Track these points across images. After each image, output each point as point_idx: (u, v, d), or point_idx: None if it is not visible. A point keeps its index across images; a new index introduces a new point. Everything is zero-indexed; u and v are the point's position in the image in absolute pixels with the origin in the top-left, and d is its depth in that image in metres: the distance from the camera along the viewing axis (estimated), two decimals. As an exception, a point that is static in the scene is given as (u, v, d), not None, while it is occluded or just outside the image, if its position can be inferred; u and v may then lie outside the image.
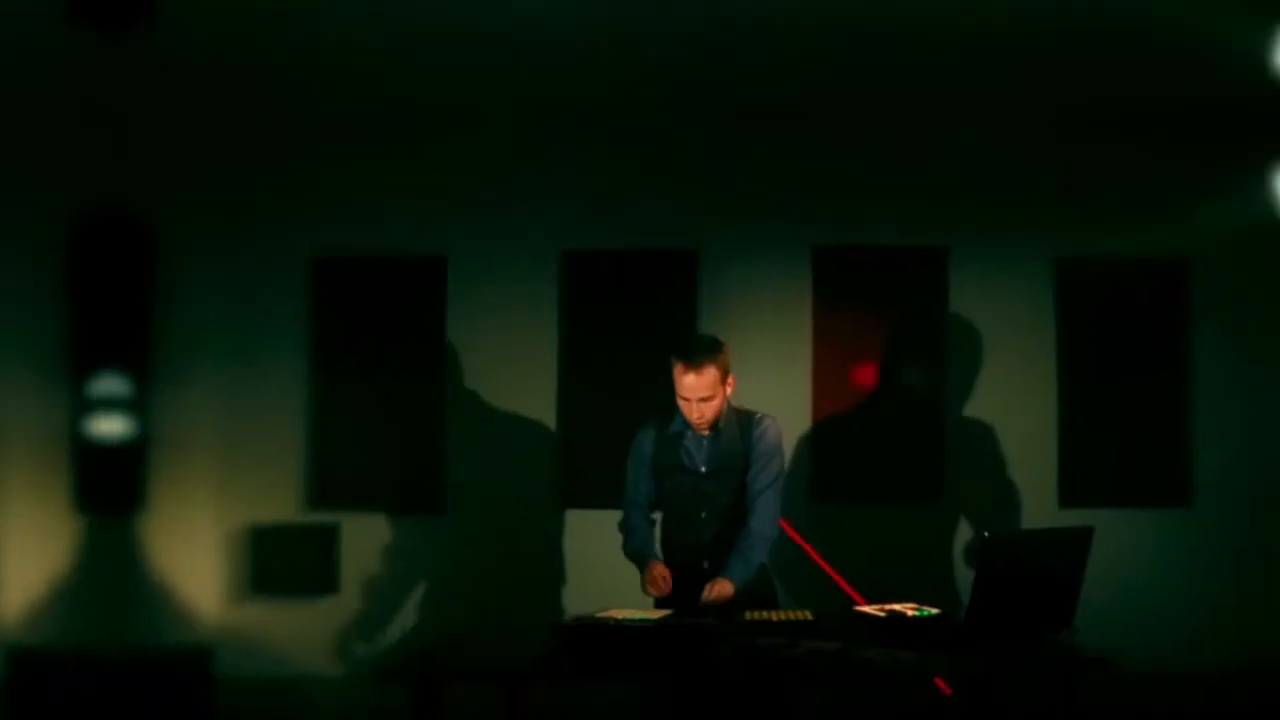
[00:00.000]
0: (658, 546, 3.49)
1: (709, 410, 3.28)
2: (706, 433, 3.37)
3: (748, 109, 5.24)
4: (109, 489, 5.08)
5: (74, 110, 4.69)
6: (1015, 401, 5.31)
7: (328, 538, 5.22)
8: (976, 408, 5.31)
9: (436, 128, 5.28)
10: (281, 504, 5.23)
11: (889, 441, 5.32)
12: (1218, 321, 5.31)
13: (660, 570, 3.32)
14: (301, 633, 5.15)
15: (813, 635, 2.90)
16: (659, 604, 3.29)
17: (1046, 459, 5.31)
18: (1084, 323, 5.34)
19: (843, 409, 5.29)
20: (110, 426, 4.98)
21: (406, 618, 5.13)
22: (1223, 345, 5.31)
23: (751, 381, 4.83)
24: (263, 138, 5.29)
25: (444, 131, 5.28)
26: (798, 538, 4.71)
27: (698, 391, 3.24)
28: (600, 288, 5.33)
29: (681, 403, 3.30)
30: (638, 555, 3.44)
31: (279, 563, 5.22)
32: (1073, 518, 5.14)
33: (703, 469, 3.40)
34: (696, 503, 3.44)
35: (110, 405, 5.01)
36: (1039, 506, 5.25)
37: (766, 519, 3.37)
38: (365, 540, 5.20)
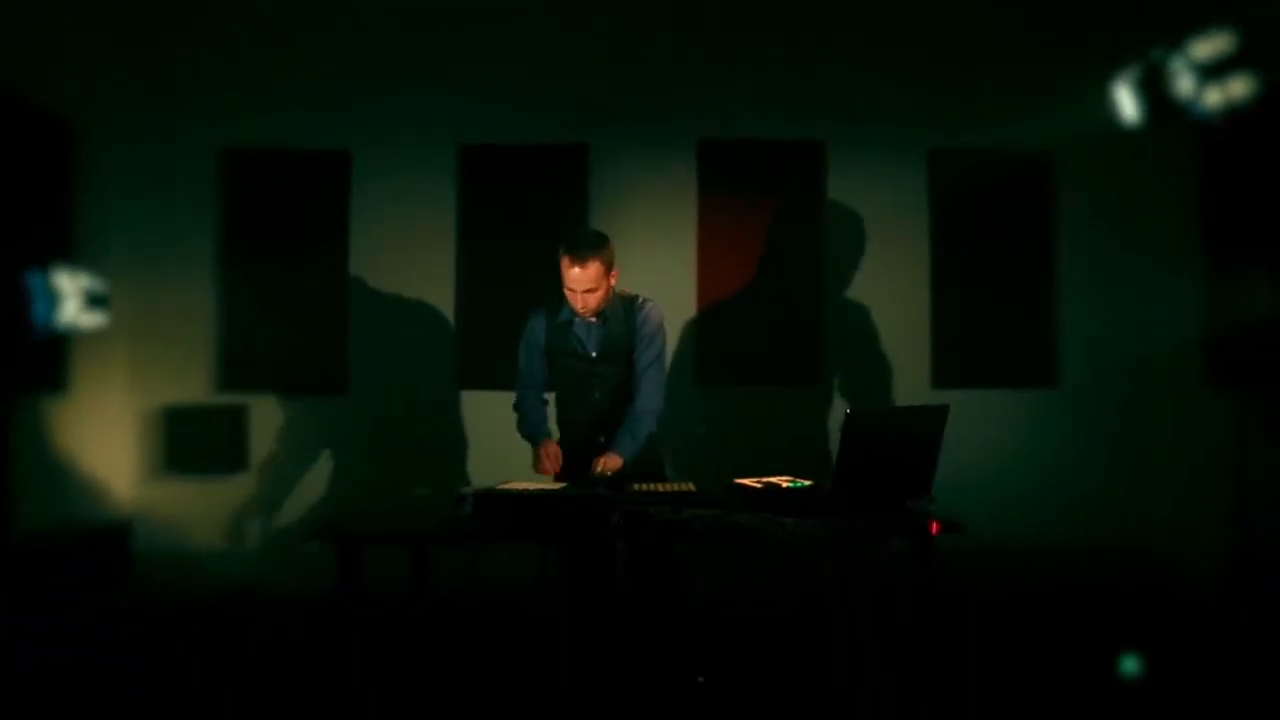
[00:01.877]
0: (550, 425, 3.76)
1: (593, 300, 3.52)
2: (593, 320, 3.62)
3: (638, 10, 5.47)
4: (28, 372, 5.28)
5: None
6: (890, 288, 5.58)
7: (237, 417, 5.48)
8: (853, 294, 5.58)
9: (342, 24, 5.48)
10: (193, 386, 5.48)
11: (770, 326, 5.58)
12: (1081, 211, 5.57)
13: (552, 449, 3.60)
14: (214, 508, 5.42)
15: (694, 504, 3.15)
16: (557, 478, 3.56)
17: (919, 342, 5.58)
18: (955, 212, 5.58)
19: (726, 295, 5.55)
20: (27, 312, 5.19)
21: (313, 491, 5.42)
22: (1086, 234, 5.57)
23: (639, 269, 5.16)
24: (177, 29, 5.46)
25: (349, 28, 5.48)
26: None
27: (582, 283, 3.48)
28: (495, 180, 5.55)
29: (568, 293, 3.54)
30: (531, 436, 3.71)
31: (191, 442, 5.47)
32: (945, 398, 5.36)
33: (593, 354, 3.67)
34: (589, 384, 3.71)
35: (26, 291, 5.22)
36: (912, 387, 5.53)
37: (650, 396, 3.66)
38: (273, 420, 5.49)
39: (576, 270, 3.47)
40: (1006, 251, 5.61)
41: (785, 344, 5.58)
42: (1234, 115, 2.59)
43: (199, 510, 5.42)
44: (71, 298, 2.23)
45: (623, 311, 3.68)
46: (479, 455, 5.41)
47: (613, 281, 3.58)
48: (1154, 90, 2.54)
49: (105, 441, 5.38)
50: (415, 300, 5.51)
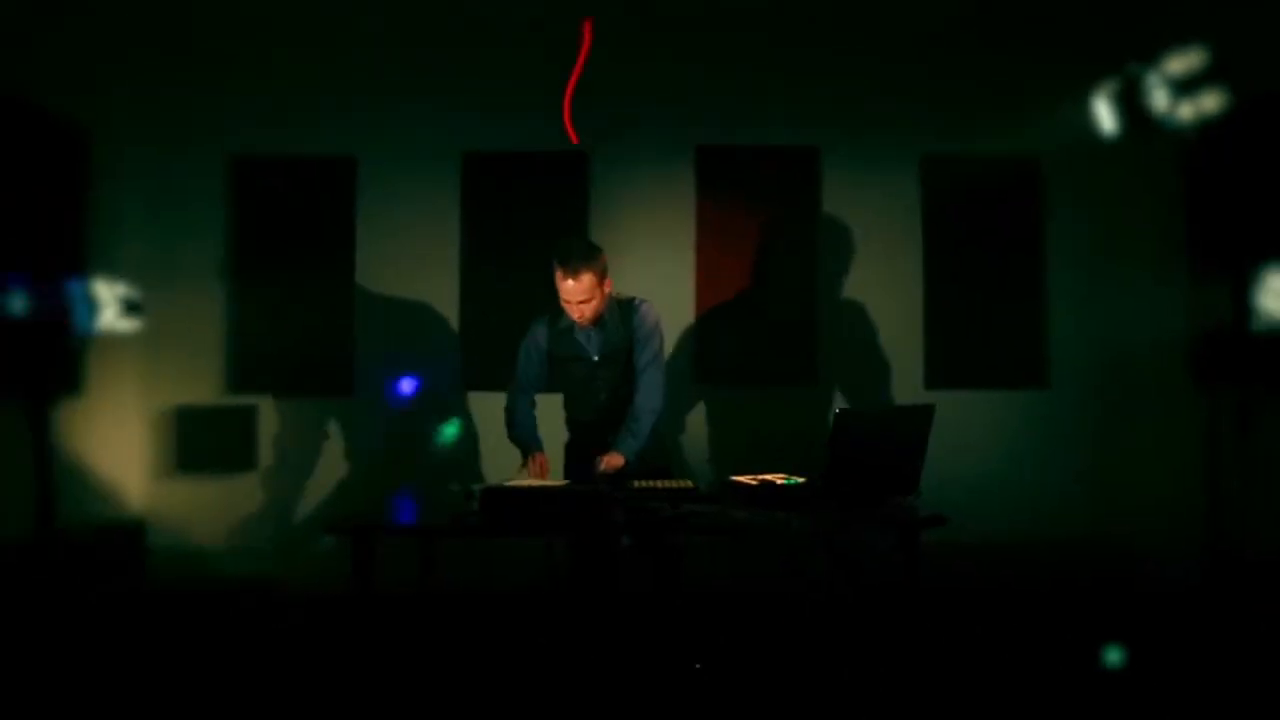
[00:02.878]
0: (542, 433, 3.88)
1: (588, 310, 3.64)
2: (591, 327, 3.74)
3: (633, 20, 5.57)
4: (41, 375, 5.40)
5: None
6: (883, 291, 5.72)
7: (247, 418, 5.62)
8: (848, 296, 5.71)
9: (348, 35, 5.60)
10: (203, 388, 5.61)
11: (767, 328, 5.71)
12: (1069, 216, 5.70)
13: (542, 460, 3.75)
14: (224, 506, 5.56)
15: (692, 500, 3.31)
16: (566, 475, 3.75)
17: (913, 344, 5.72)
18: (947, 216, 5.72)
19: (724, 298, 5.68)
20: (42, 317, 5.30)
21: (321, 489, 5.55)
22: (1073, 238, 5.71)
23: (639, 273, 5.30)
24: (186, 39, 5.57)
25: (355, 39, 5.60)
26: None
27: (576, 295, 3.60)
28: (498, 187, 5.69)
29: (563, 303, 3.66)
30: (522, 442, 3.84)
31: (202, 442, 5.61)
32: (937, 398, 5.53)
33: (595, 357, 3.80)
34: (594, 386, 3.85)
35: (42, 297, 5.33)
36: (906, 388, 5.67)
37: (650, 394, 3.77)
38: (281, 420, 5.63)
39: (570, 283, 3.59)
40: (997, 255, 5.75)
41: (782, 346, 5.71)
42: (1206, 127, 2.72)
43: (210, 508, 5.56)
44: (109, 305, 2.35)
45: (620, 314, 3.80)
46: (483, 454, 5.53)
47: (607, 289, 3.69)
48: (1130, 103, 2.66)
49: (118, 442, 5.51)
50: (420, 303, 5.64)
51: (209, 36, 5.57)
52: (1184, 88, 2.57)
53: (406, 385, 5.11)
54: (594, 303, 3.64)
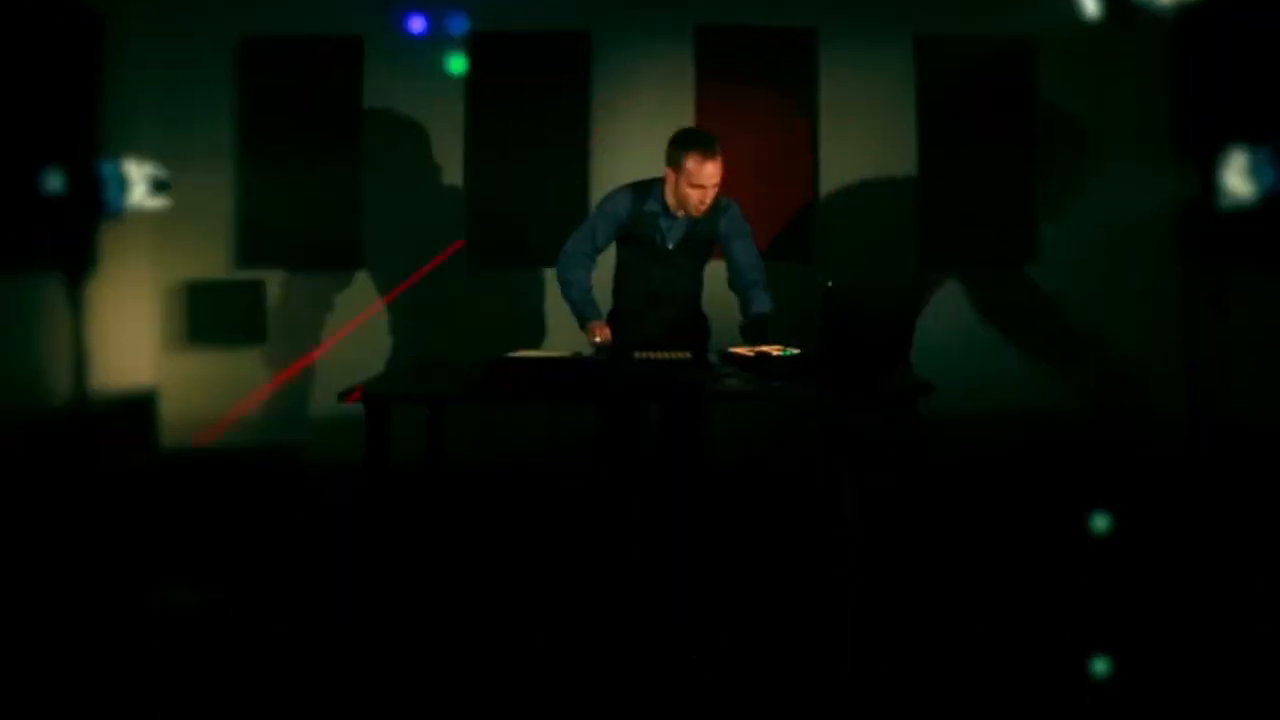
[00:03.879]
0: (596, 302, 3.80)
1: (711, 196, 3.64)
2: (679, 215, 3.71)
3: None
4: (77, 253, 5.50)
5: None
6: (879, 172, 5.85)
7: (255, 291, 5.73)
8: (844, 177, 5.85)
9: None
10: (213, 262, 5.73)
11: (766, 207, 5.79)
12: (1060, 96, 5.84)
13: (604, 331, 3.69)
14: (234, 376, 5.68)
15: (688, 370, 3.38)
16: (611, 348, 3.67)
17: (907, 223, 5.88)
18: (941, 97, 5.85)
19: (725, 177, 5.80)
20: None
21: (328, 362, 5.67)
22: (1064, 119, 5.84)
23: (641, 152, 5.37)
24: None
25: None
26: None
27: (714, 178, 3.59)
28: (501, 67, 5.79)
29: (692, 191, 3.59)
30: (578, 307, 3.77)
31: (212, 315, 5.73)
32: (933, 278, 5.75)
33: (670, 245, 3.77)
34: (657, 270, 3.80)
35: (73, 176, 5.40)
36: (901, 266, 5.82)
37: (763, 273, 3.86)
38: (289, 293, 5.74)
39: (710, 166, 3.56)
40: (989, 135, 5.89)
41: (780, 225, 5.84)
42: (1184, 13, 2.82)
43: (220, 380, 5.67)
44: (139, 183, 2.45)
45: (710, 208, 3.73)
46: (487, 328, 5.63)
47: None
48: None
49: (130, 316, 5.61)
50: (427, 180, 5.75)
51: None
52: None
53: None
54: (718, 188, 3.65)
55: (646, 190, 3.75)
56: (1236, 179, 3.09)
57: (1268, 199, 2.80)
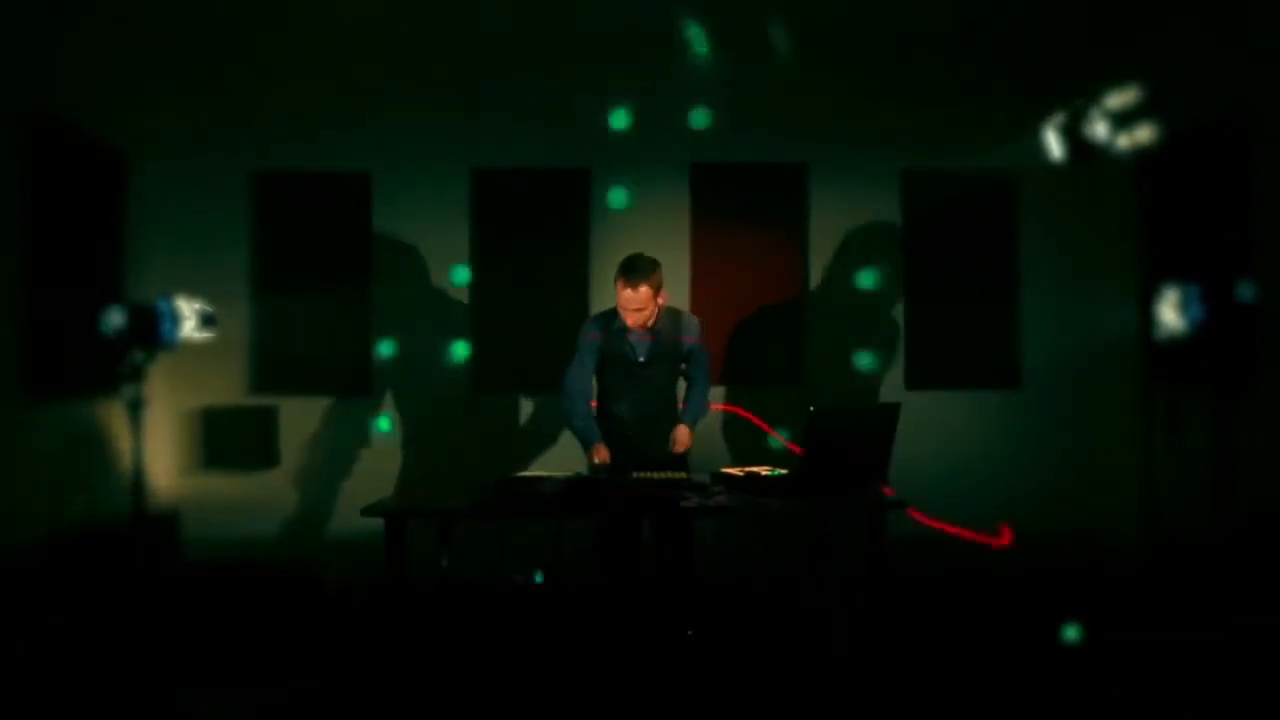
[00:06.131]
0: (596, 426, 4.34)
1: (642, 317, 4.19)
2: (643, 331, 4.26)
3: (630, 44, 5.88)
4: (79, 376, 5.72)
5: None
6: (867, 298, 6.10)
7: (268, 418, 5.98)
8: (833, 303, 6.10)
9: (361, 56, 5.97)
10: (227, 389, 5.98)
11: (758, 334, 6.10)
12: (1039, 229, 6.10)
13: (603, 453, 4.22)
14: (247, 500, 5.91)
15: (683, 489, 3.73)
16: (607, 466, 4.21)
17: (895, 347, 6.11)
18: (927, 228, 6.10)
19: (716, 305, 6.02)
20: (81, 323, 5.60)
21: (339, 484, 5.91)
22: (1046, 250, 6.10)
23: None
24: (215, 66, 5.96)
25: (369, 60, 5.96)
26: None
27: (634, 303, 4.15)
28: (506, 201, 6.05)
29: (621, 310, 4.19)
30: (581, 434, 4.33)
31: (226, 440, 5.98)
32: (918, 399, 5.95)
33: (641, 359, 4.33)
34: (633, 384, 4.36)
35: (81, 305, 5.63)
36: (888, 389, 6.05)
37: (707, 385, 4.52)
38: (301, 420, 5.99)
39: (629, 292, 4.14)
40: (974, 264, 6.14)
41: (772, 350, 6.09)
42: (1142, 157, 3.10)
43: (234, 502, 5.90)
44: (189, 318, 2.71)
45: (669, 322, 4.36)
46: (493, 451, 5.87)
47: (661, 301, 4.25)
48: (1075, 133, 3.05)
49: (148, 441, 5.82)
50: (434, 311, 6.00)
51: (230, 59, 5.95)
52: (1122, 120, 2.94)
53: None
54: (647, 311, 4.19)
55: (614, 313, 4.31)
56: (1170, 313, 3.39)
57: (1196, 331, 3.14)
